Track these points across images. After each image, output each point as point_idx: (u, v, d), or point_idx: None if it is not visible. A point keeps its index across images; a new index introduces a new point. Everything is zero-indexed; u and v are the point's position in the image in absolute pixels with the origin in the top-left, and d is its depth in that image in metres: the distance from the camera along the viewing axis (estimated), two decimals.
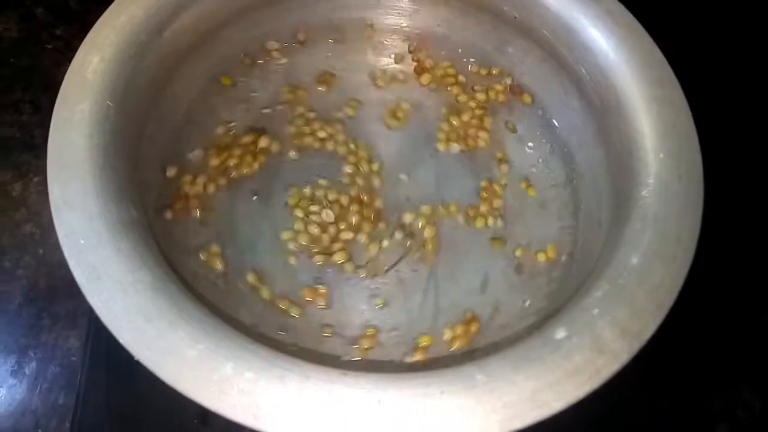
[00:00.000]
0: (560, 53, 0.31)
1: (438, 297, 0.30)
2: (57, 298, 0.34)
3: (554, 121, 0.34)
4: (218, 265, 0.29)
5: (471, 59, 0.36)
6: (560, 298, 0.29)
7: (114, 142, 0.25)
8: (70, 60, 0.26)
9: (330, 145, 0.33)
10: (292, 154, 0.33)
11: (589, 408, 0.32)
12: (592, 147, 0.31)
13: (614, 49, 0.29)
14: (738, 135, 0.39)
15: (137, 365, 0.20)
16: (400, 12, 0.36)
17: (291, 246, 0.30)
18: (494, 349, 0.23)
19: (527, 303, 0.30)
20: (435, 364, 0.27)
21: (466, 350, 0.28)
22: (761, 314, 0.36)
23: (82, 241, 0.22)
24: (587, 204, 0.32)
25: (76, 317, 0.34)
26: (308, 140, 0.33)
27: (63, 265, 0.22)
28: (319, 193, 0.32)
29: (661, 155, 0.26)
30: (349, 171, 0.33)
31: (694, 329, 0.35)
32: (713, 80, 0.40)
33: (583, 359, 0.21)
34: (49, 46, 0.42)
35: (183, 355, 0.20)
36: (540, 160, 0.34)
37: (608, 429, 0.32)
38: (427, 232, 0.31)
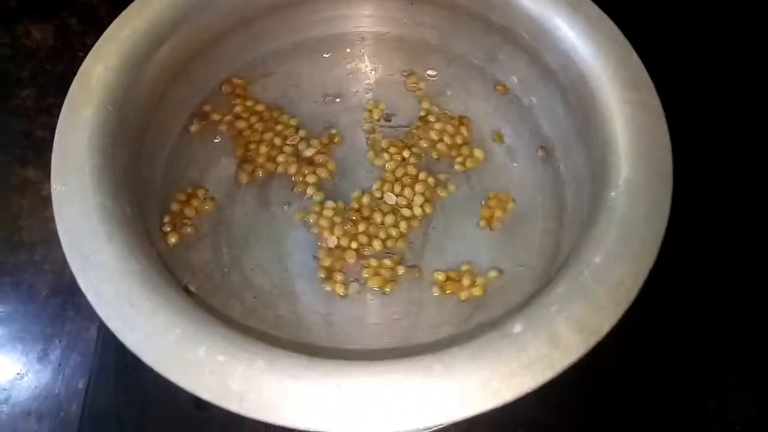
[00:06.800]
0: (544, 59, 0.32)
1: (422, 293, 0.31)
2: (79, 290, 0.37)
3: (543, 124, 0.35)
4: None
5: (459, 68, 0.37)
6: None
7: (113, 145, 0.27)
8: None
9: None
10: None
11: (580, 410, 0.32)
12: (575, 151, 0.32)
13: (592, 55, 0.29)
14: (715, 140, 0.39)
15: None
16: (393, 21, 0.37)
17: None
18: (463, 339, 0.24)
19: (510, 303, 0.30)
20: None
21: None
22: (751, 314, 0.35)
23: (78, 234, 0.24)
24: (572, 207, 0.32)
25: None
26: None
27: None
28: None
29: (632, 158, 0.26)
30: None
31: (682, 331, 0.35)
32: (694, 85, 0.40)
33: (538, 353, 0.22)
34: (81, 54, 0.45)
35: (162, 339, 0.22)
36: (528, 164, 0.35)
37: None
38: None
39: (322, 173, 0.34)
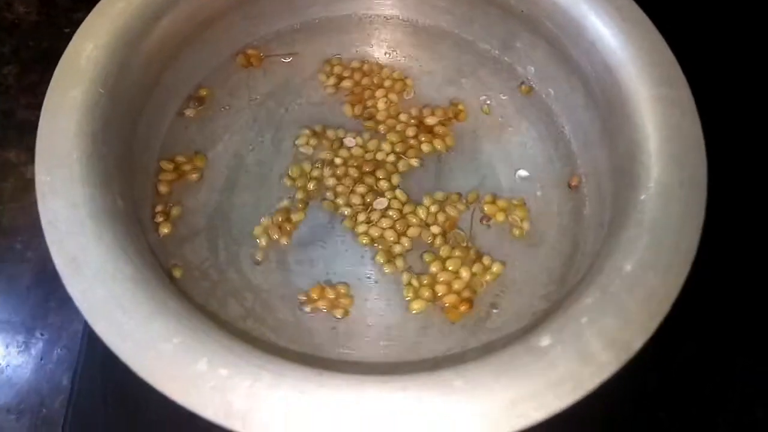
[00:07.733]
0: (567, 49, 0.30)
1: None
2: None
3: (560, 118, 0.33)
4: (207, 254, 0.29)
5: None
6: (557, 301, 0.28)
7: (104, 130, 0.24)
8: None
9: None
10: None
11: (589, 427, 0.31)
12: (597, 147, 0.30)
13: (621, 47, 0.28)
14: (750, 139, 0.38)
15: None
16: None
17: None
18: (480, 353, 0.22)
19: (525, 304, 0.29)
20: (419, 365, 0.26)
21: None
22: None
23: (65, 229, 0.22)
24: (591, 206, 0.31)
25: None
26: None
27: None
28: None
29: (663, 158, 0.25)
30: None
31: (699, 342, 0.34)
32: (727, 81, 0.38)
33: (567, 369, 0.20)
34: (67, 30, 0.42)
35: (158, 349, 0.20)
36: (544, 158, 0.33)
37: None
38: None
39: (438, 145, 0.32)
